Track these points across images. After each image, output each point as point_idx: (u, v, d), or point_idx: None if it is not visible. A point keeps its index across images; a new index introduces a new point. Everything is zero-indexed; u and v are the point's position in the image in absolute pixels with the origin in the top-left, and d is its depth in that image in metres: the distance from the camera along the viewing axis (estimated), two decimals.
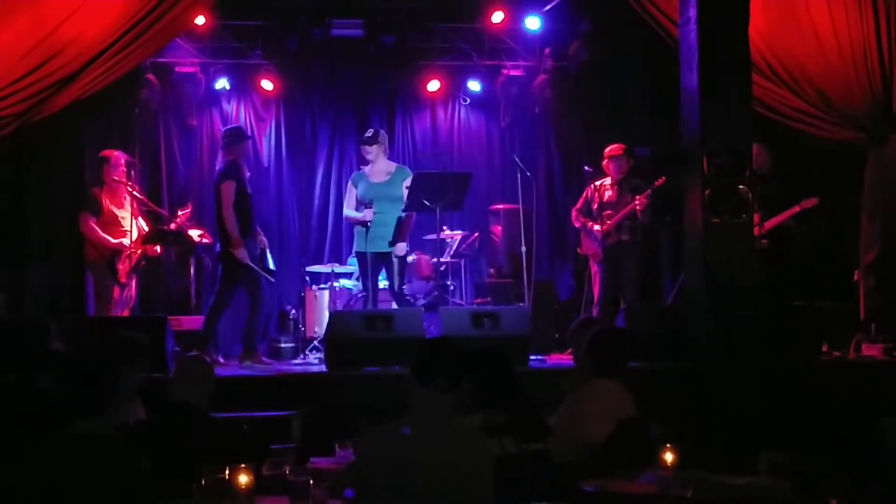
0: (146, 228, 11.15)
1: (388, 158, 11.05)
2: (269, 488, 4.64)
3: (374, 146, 10.69)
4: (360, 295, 11.48)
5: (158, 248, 11.35)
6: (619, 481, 4.94)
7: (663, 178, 10.86)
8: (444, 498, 4.34)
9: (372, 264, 10.47)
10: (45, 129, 10.42)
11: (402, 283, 10.82)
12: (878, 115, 10.77)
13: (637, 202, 11.01)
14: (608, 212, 11.18)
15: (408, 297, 11.15)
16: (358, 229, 10.66)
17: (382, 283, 11.03)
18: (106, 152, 11.03)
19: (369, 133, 10.91)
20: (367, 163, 10.87)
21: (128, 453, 4.18)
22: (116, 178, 10.88)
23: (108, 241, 10.70)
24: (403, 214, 10.57)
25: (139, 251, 10.92)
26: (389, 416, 4.61)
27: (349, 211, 10.79)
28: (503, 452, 5.05)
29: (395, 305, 10.81)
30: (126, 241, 10.78)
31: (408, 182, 10.55)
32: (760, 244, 10.22)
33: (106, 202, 10.78)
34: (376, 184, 10.61)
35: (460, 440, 4.53)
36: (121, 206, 10.91)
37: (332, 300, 11.88)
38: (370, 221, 10.36)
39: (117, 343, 5.98)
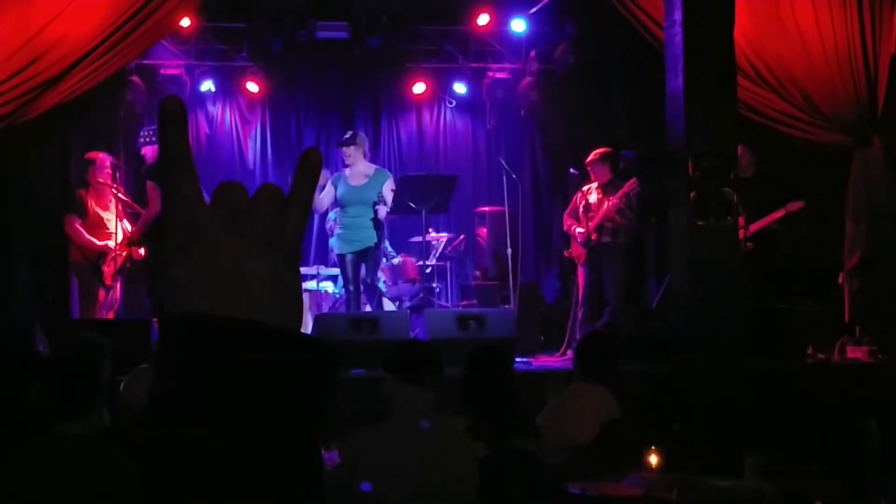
0: (131, 231, 11.13)
1: (373, 160, 10.95)
2: None
3: (352, 147, 10.55)
4: (343, 298, 11.41)
5: (143, 251, 11.33)
6: (604, 483, 4.94)
7: (633, 180, 10.86)
8: (429, 498, 4.35)
9: (352, 266, 10.43)
10: (30, 131, 10.37)
11: (374, 276, 10.76)
12: (862, 117, 10.79)
13: (609, 204, 11.02)
14: (591, 214, 11.20)
15: (382, 293, 11.10)
16: (337, 232, 10.60)
17: None
18: (91, 154, 10.99)
19: (347, 135, 10.79)
20: None
21: (113, 455, 4.17)
22: (102, 180, 10.85)
23: (94, 243, 10.68)
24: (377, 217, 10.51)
25: (124, 253, 10.90)
26: (375, 419, 4.62)
27: (317, 201, 10.51)
28: (489, 453, 5.06)
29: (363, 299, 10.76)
30: (111, 244, 10.76)
31: (389, 185, 10.49)
32: (745, 247, 10.23)
33: (91, 204, 10.75)
34: (353, 187, 10.47)
35: (443, 440, 4.54)
36: (106, 209, 10.88)
37: (317, 302, 11.85)
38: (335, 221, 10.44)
39: (83, 346, 5.96)
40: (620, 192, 10.96)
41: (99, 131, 12.48)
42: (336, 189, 10.57)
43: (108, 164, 10.96)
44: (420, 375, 4.57)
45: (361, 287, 10.72)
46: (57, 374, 4.42)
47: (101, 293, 10.77)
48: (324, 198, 10.56)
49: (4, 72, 9.92)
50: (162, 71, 13.11)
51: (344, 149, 10.60)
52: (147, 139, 10.77)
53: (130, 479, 4.15)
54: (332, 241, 10.86)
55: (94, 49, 10.21)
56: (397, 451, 4.42)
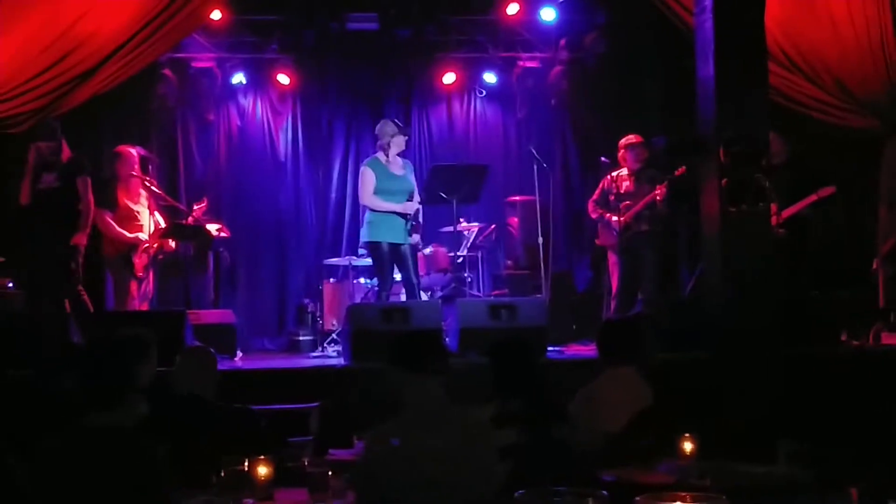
0: (163, 223, 11.18)
1: (404, 151, 10.79)
2: (288, 480, 4.66)
3: (406, 137, 10.55)
4: (376, 288, 11.26)
5: (173, 243, 11.36)
6: (637, 470, 4.94)
7: (683, 167, 10.81)
8: (450, 487, 4.36)
9: (389, 255, 10.28)
10: (63, 125, 10.40)
11: (417, 274, 10.69)
12: (895, 102, 10.73)
13: (658, 192, 10.99)
14: (626, 202, 11.15)
15: (421, 290, 11.02)
16: (372, 218, 10.25)
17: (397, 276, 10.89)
18: (118, 148, 11.03)
19: (402, 124, 10.72)
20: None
21: (144, 445, 4.20)
22: (134, 173, 10.91)
23: (124, 235, 10.73)
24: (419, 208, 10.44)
25: (155, 245, 10.95)
26: (396, 411, 4.64)
27: (374, 199, 10.20)
28: (521, 441, 5.06)
29: (403, 297, 10.62)
30: (142, 236, 10.82)
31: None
32: (778, 233, 10.18)
33: (121, 197, 10.80)
34: (398, 176, 10.30)
35: (460, 427, 4.56)
36: (136, 202, 10.94)
37: (350, 293, 11.87)
38: (410, 215, 10.24)
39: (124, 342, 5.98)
40: (667, 181, 10.95)
41: (131, 125, 12.51)
42: (375, 175, 10.26)
43: (135, 157, 10.99)
44: (424, 364, 4.59)
45: (395, 279, 10.67)
46: (89, 365, 4.45)
47: (134, 285, 10.82)
48: (370, 187, 10.27)
49: (37, 66, 9.99)
50: (193, 64, 13.16)
51: (404, 138, 10.45)
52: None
53: (159, 469, 4.18)
54: (365, 230, 10.51)
55: (126, 42, 10.27)
56: (414, 441, 4.43)
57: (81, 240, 10.05)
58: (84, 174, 10.18)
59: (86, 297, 10.19)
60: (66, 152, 10.14)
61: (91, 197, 10.18)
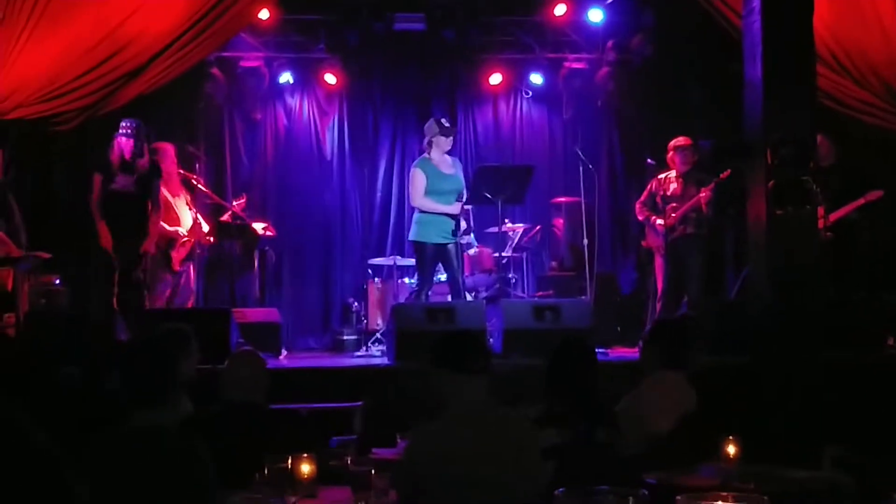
0: (204, 223, 11.20)
1: (449, 151, 10.76)
2: (331, 478, 4.68)
3: (452, 138, 10.55)
4: (416, 288, 11.20)
5: (212, 238, 11.40)
6: (681, 474, 4.93)
7: (728, 170, 10.76)
8: (493, 487, 4.37)
9: (433, 255, 10.26)
10: (111, 122, 10.46)
11: (463, 274, 10.65)
12: None
13: (703, 194, 10.95)
14: (673, 205, 11.11)
15: (466, 290, 10.99)
16: (420, 217, 10.25)
17: (442, 276, 10.91)
18: (157, 144, 10.96)
19: (448, 123, 10.58)
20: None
21: (188, 444, 4.22)
22: (181, 171, 10.96)
23: (163, 227, 10.70)
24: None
25: (193, 240, 10.97)
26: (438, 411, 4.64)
27: (425, 200, 10.19)
28: (566, 442, 5.06)
29: (449, 297, 10.56)
30: (180, 230, 10.85)
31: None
32: (825, 236, 10.12)
33: (161, 190, 10.83)
34: (448, 175, 10.29)
35: (503, 428, 4.56)
36: (176, 196, 10.97)
37: (395, 293, 11.89)
38: (458, 215, 10.23)
39: (162, 336, 6.00)
40: (714, 183, 10.90)
41: (179, 123, 12.57)
42: (426, 175, 10.24)
43: (173, 153, 10.99)
44: (467, 364, 4.59)
45: (437, 280, 10.70)
46: (134, 363, 4.48)
47: (171, 280, 10.84)
48: (422, 187, 10.26)
49: (85, 64, 10.05)
50: (241, 63, 13.22)
51: (446, 139, 10.38)
52: (125, 131, 10.37)
53: (205, 467, 4.20)
54: (412, 228, 10.46)
55: (174, 42, 10.33)
56: (456, 441, 4.44)
57: (150, 247, 10.13)
58: (160, 181, 10.28)
59: (144, 300, 10.25)
60: (147, 157, 10.15)
61: (160, 203, 10.28)
